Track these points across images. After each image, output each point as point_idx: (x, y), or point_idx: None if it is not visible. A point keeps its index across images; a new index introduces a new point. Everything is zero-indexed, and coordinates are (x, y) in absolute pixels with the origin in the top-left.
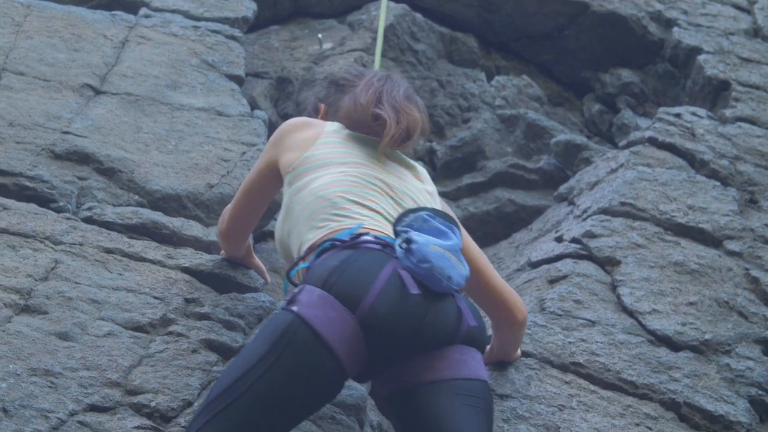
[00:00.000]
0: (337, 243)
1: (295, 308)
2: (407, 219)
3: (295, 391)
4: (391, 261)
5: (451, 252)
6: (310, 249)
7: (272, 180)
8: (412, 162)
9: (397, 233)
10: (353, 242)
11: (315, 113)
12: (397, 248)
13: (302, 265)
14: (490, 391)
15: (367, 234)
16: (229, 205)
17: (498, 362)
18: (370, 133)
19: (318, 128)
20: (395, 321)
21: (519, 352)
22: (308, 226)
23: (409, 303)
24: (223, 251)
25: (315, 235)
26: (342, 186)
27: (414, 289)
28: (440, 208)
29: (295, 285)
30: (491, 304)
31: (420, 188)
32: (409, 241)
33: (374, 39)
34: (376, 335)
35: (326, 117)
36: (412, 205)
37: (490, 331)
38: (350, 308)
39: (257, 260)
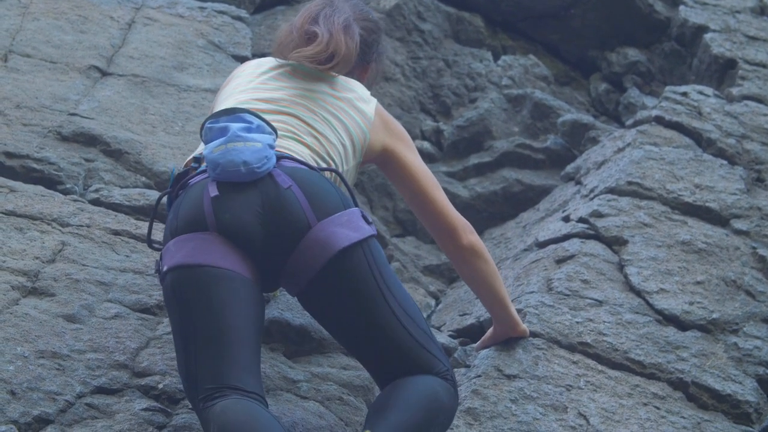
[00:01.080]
0: (171, 193)
1: (165, 268)
2: (202, 137)
3: (224, 320)
4: (205, 185)
5: (234, 140)
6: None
7: None
8: (337, 78)
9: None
10: (181, 185)
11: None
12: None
13: None
14: (372, 237)
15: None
16: None
17: (506, 338)
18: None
19: (236, 71)
20: (241, 221)
21: (524, 327)
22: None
23: (233, 203)
24: None
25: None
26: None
27: (213, 192)
28: (358, 112)
29: None
30: (435, 224)
31: (327, 97)
32: (198, 159)
33: (380, 19)
34: (235, 234)
35: (273, 46)
36: (298, 112)
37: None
38: (201, 230)
39: None
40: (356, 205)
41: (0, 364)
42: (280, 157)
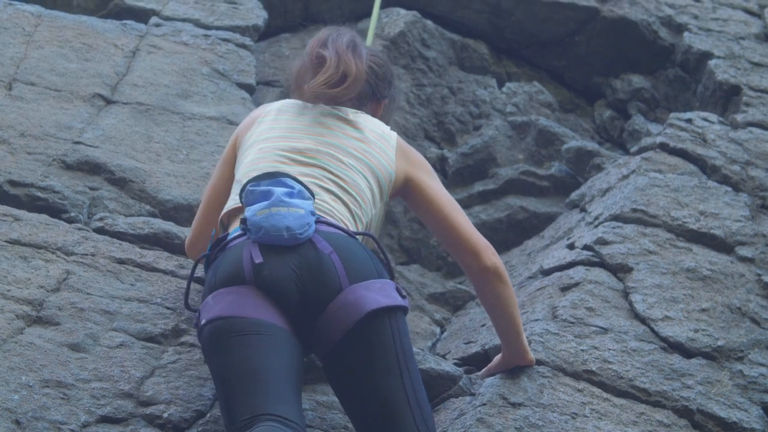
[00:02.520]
0: (209, 257)
1: (203, 321)
2: (243, 199)
3: (260, 362)
4: (246, 245)
5: (278, 205)
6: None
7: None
8: (353, 117)
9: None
10: (216, 251)
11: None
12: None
13: None
14: (401, 310)
15: (229, 233)
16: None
17: (513, 366)
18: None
19: (258, 112)
20: (278, 278)
21: (532, 356)
22: (226, 205)
23: (267, 269)
24: None
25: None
26: (251, 165)
27: (258, 259)
28: (380, 152)
29: None
30: (458, 246)
31: (350, 140)
32: (243, 220)
33: (384, 46)
34: (272, 291)
35: (291, 84)
36: (325, 162)
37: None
38: (239, 283)
39: None
40: (392, 276)
41: (5, 394)
42: (318, 221)
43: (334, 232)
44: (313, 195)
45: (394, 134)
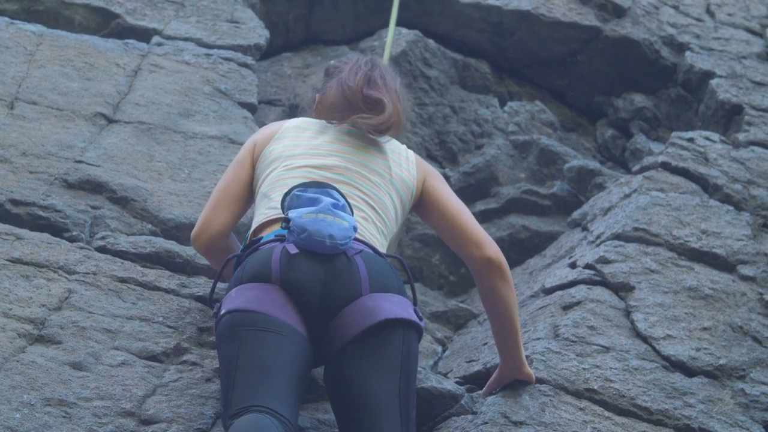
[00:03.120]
0: (239, 257)
1: (223, 311)
2: (285, 202)
3: (267, 357)
4: (278, 246)
5: (325, 212)
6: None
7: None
8: (379, 139)
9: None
10: (248, 251)
11: (312, 103)
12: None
13: None
14: (416, 331)
15: (263, 236)
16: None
17: (510, 380)
18: (353, 113)
19: (276, 126)
20: (304, 280)
21: (530, 370)
22: (255, 220)
23: (298, 266)
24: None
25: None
26: (280, 180)
27: (293, 250)
28: (405, 171)
29: None
30: (462, 240)
31: (374, 161)
32: (287, 221)
33: (387, 65)
34: (295, 291)
35: (319, 105)
36: (353, 180)
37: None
38: (264, 281)
39: None
40: (415, 301)
41: (6, 412)
42: (354, 238)
43: (367, 250)
44: (352, 212)
45: (411, 153)
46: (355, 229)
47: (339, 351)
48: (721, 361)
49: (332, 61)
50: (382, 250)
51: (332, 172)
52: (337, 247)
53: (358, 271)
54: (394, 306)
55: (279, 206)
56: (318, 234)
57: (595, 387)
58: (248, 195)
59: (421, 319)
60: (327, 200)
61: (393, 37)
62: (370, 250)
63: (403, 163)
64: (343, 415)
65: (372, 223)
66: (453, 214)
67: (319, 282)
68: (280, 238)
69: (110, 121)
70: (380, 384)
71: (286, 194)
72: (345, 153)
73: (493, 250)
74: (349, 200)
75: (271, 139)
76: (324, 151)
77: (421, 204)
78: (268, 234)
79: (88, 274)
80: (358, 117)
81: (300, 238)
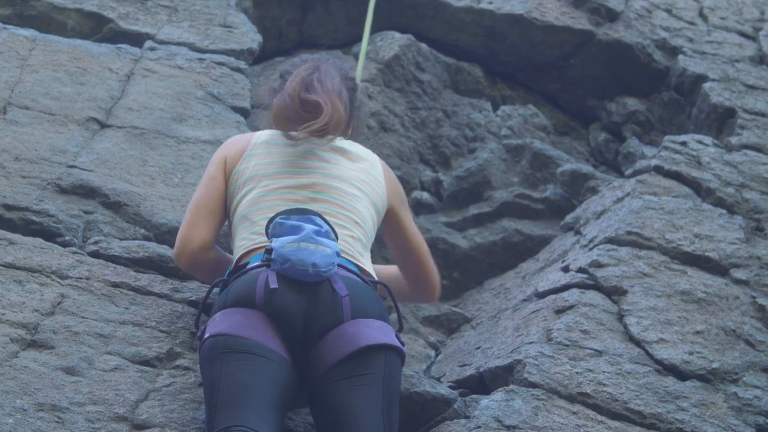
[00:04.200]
0: (224, 282)
1: (207, 335)
2: (269, 230)
3: (250, 379)
4: (264, 271)
5: (307, 241)
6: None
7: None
8: (344, 146)
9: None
10: (234, 276)
11: (270, 105)
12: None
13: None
14: (396, 352)
15: (249, 261)
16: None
17: None
18: (299, 122)
19: (244, 142)
20: (287, 308)
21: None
22: (235, 245)
23: (280, 297)
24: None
25: (236, 254)
26: (261, 203)
27: (273, 284)
28: (374, 180)
29: None
30: (419, 277)
31: (348, 173)
32: (269, 250)
33: (379, 70)
34: (279, 319)
35: (273, 114)
36: (335, 197)
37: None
38: (249, 307)
39: None
40: (401, 327)
41: None
42: (338, 264)
43: (351, 277)
44: (337, 236)
45: (377, 159)
46: (338, 254)
47: (322, 375)
48: (714, 365)
49: (285, 64)
50: (368, 264)
51: (312, 190)
52: (321, 274)
53: (341, 298)
54: (375, 332)
55: (263, 232)
56: (300, 263)
57: (588, 391)
58: (223, 209)
59: (403, 344)
60: (309, 228)
61: (367, 41)
62: (354, 276)
63: (373, 172)
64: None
65: (358, 240)
66: (416, 246)
67: (301, 310)
68: (267, 263)
69: (103, 125)
70: (362, 403)
71: (270, 221)
72: (318, 168)
73: (438, 294)
74: (333, 220)
75: (240, 156)
76: (298, 168)
77: (388, 225)
78: (253, 257)
79: (80, 278)
80: (302, 127)
81: (283, 268)
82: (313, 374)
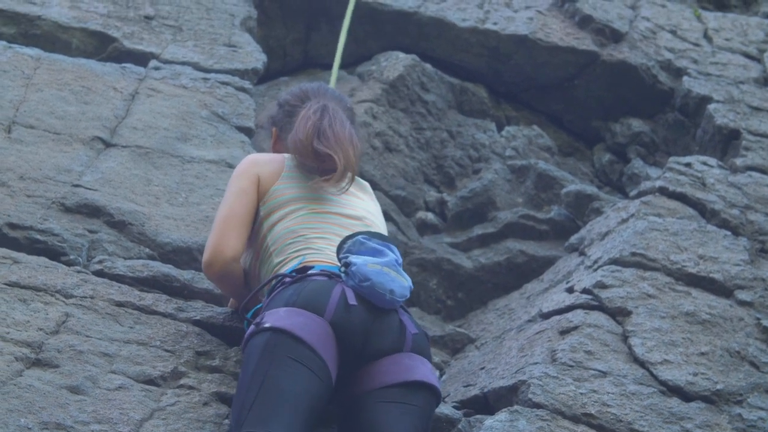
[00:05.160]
0: (286, 280)
1: (267, 325)
2: (346, 245)
3: (293, 388)
4: (338, 284)
5: (390, 267)
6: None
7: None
8: (359, 180)
9: (339, 260)
10: (299, 276)
11: (269, 136)
12: (342, 274)
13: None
14: (437, 397)
15: (312, 267)
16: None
17: None
18: (317, 171)
19: (279, 163)
20: (354, 326)
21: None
22: (281, 258)
23: (354, 314)
24: (231, 301)
25: (284, 265)
26: (313, 222)
27: (352, 301)
28: (381, 216)
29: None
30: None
31: (370, 206)
32: (348, 264)
33: (383, 90)
34: (343, 334)
35: (278, 140)
36: (364, 227)
37: None
38: (317, 314)
39: None
40: None
41: None
42: None
43: (410, 316)
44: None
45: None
46: (410, 289)
47: (366, 393)
48: (719, 386)
49: (283, 93)
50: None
51: (361, 223)
52: (395, 303)
53: (408, 331)
54: (428, 372)
55: (322, 250)
56: (380, 287)
57: (593, 412)
58: (251, 223)
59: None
60: (391, 255)
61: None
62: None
63: (377, 206)
64: None
65: None
66: None
67: (365, 329)
68: (328, 274)
69: (108, 145)
70: (400, 428)
71: (348, 237)
72: (355, 203)
73: None
74: None
75: (278, 176)
76: (336, 197)
77: None
78: (315, 265)
79: (85, 297)
80: (319, 181)
81: (361, 286)
82: (357, 391)
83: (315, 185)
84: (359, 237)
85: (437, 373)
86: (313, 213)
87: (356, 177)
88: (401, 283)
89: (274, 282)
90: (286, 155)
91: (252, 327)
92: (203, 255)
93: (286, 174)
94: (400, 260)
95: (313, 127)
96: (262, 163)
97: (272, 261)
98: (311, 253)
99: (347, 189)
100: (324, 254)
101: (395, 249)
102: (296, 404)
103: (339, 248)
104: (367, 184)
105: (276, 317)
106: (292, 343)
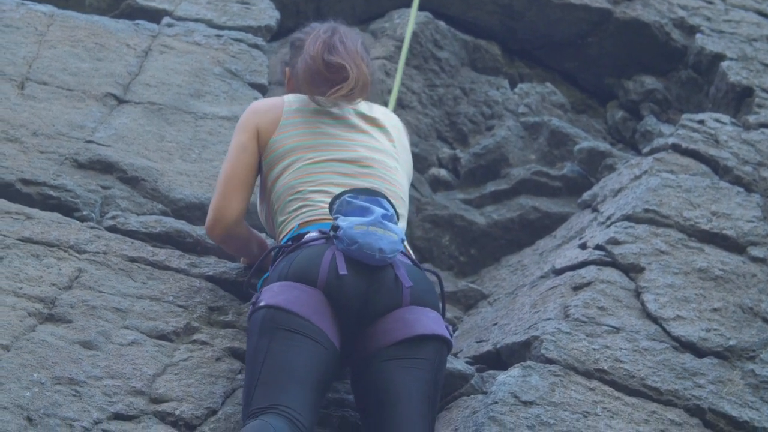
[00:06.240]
0: (284, 248)
1: (262, 303)
2: (335, 206)
3: (295, 359)
4: (330, 247)
5: (376, 225)
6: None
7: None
8: (373, 113)
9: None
10: (293, 246)
11: (283, 77)
12: (333, 238)
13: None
14: (447, 344)
15: (308, 228)
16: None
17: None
18: (329, 85)
19: (277, 110)
20: (347, 290)
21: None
22: (283, 217)
23: (345, 279)
24: (242, 258)
25: (285, 226)
26: (309, 175)
27: (342, 270)
28: (403, 148)
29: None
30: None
31: (385, 144)
32: (336, 228)
33: (397, 47)
34: (337, 301)
35: (291, 79)
36: (382, 172)
37: None
38: (310, 284)
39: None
40: (443, 315)
41: (17, 391)
42: None
43: (410, 265)
44: (398, 216)
45: (398, 120)
46: (402, 241)
47: (372, 354)
48: (731, 342)
49: (296, 33)
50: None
51: (359, 165)
52: (386, 260)
53: (402, 284)
54: (432, 322)
55: (318, 205)
56: (368, 247)
57: (605, 367)
58: (254, 180)
59: (451, 335)
60: (378, 211)
61: (416, 13)
62: (412, 264)
63: (403, 140)
64: (368, 411)
65: (403, 218)
66: None
67: (361, 292)
68: (325, 235)
69: (121, 101)
70: (409, 384)
71: (336, 198)
72: (359, 141)
73: None
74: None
75: (276, 126)
76: (340, 140)
77: None
78: (311, 227)
79: (98, 253)
80: (329, 93)
81: (350, 249)
82: (363, 352)
83: (326, 102)
84: (345, 197)
85: (445, 322)
86: (310, 163)
87: (377, 105)
88: (390, 238)
89: (274, 253)
90: (286, 98)
91: (251, 306)
92: (206, 218)
93: (285, 121)
94: (390, 212)
95: (323, 43)
96: (261, 111)
97: (278, 219)
98: (308, 211)
99: (359, 98)
100: (321, 210)
101: (384, 202)
102: (301, 375)
103: (330, 208)
104: (393, 116)
105: (270, 294)
106: (288, 318)
